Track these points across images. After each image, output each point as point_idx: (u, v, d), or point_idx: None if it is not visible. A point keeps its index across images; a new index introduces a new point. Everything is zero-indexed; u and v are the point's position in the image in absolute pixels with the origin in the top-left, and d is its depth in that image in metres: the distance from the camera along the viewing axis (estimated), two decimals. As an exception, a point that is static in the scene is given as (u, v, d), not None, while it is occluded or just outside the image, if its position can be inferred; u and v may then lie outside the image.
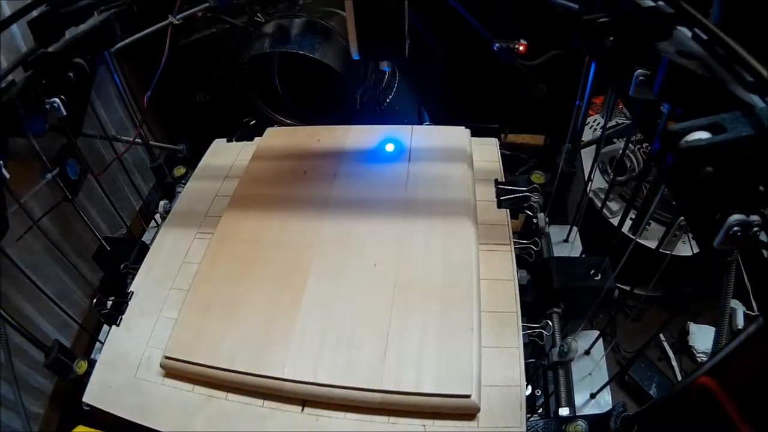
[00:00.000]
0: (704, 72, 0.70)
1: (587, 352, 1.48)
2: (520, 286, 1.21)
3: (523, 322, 1.14)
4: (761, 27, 0.62)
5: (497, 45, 1.82)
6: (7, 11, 1.40)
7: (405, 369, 0.99)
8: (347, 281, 1.16)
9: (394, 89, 2.14)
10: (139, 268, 1.35)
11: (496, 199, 1.40)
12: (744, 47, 0.64)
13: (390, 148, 1.50)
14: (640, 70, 0.84)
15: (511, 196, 1.39)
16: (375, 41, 1.05)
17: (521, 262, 1.31)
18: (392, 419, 0.98)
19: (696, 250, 1.97)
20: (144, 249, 1.46)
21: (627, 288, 1.69)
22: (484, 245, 1.26)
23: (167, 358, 1.09)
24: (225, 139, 1.75)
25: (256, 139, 1.69)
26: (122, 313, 1.24)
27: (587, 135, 2.37)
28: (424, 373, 0.98)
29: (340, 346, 1.04)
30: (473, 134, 1.57)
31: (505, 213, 1.36)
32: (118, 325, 1.23)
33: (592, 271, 1.32)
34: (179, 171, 1.76)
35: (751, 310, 2.02)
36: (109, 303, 1.26)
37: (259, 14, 2.00)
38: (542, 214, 1.35)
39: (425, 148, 1.49)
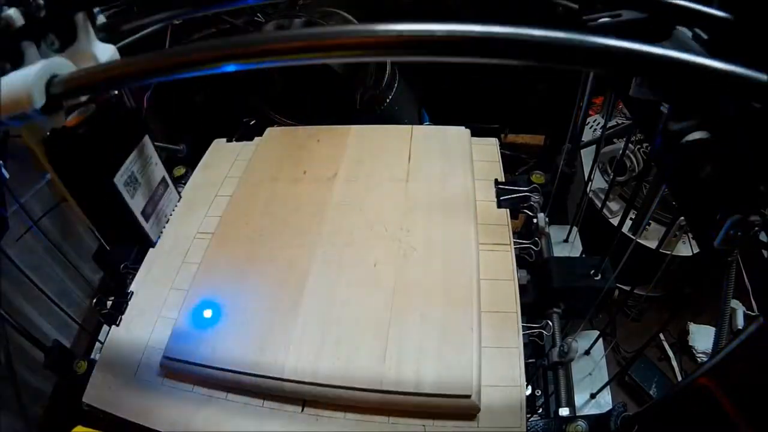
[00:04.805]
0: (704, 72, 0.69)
1: (587, 352, 1.48)
2: (520, 286, 1.21)
3: (523, 322, 1.14)
4: (761, 26, 0.62)
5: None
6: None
7: (405, 369, 0.99)
8: (347, 281, 1.16)
9: (394, 89, 2.13)
10: (139, 268, 1.35)
11: (496, 199, 1.40)
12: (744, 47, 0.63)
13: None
14: (639, 70, 0.84)
15: (511, 196, 1.39)
16: (117, 235, 0.92)
17: (521, 262, 1.31)
18: (392, 419, 0.98)
19: (696, 250, 1.98)
20: (144, 249, 1.46)
21: (627, 288, 1.69)
22: (484, 245, 1.26)
23: (167, 358, 1.09)
24: (225, 139, 1.75)
25: (256, 139, 1.69)
26: (122, 313, 1.24)
27: (587, 135, 2.37)
28: (424, 373, 0.98)
29: (340, 347, 1.04)
30: (473, 134, 1.57)
31: (505, 213, 1.36)
32: (118, 325, 1.23)
33: (592, 271, 1.32)
34: (179, 171, 1.76)
35: (751, 310, 2.02)
36: (109, 303, 1.26)
37: (258, 14, 2.00)
38: (542, 214, 1.35)
39: (425, 148, 1.49)
